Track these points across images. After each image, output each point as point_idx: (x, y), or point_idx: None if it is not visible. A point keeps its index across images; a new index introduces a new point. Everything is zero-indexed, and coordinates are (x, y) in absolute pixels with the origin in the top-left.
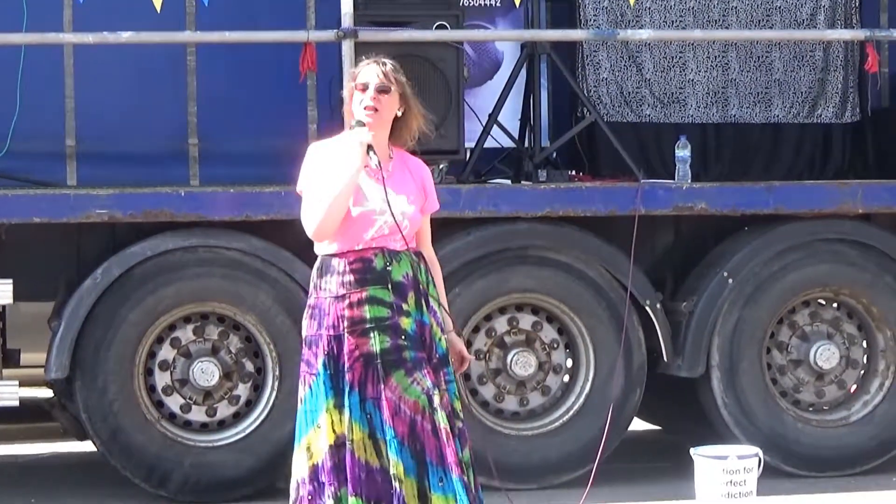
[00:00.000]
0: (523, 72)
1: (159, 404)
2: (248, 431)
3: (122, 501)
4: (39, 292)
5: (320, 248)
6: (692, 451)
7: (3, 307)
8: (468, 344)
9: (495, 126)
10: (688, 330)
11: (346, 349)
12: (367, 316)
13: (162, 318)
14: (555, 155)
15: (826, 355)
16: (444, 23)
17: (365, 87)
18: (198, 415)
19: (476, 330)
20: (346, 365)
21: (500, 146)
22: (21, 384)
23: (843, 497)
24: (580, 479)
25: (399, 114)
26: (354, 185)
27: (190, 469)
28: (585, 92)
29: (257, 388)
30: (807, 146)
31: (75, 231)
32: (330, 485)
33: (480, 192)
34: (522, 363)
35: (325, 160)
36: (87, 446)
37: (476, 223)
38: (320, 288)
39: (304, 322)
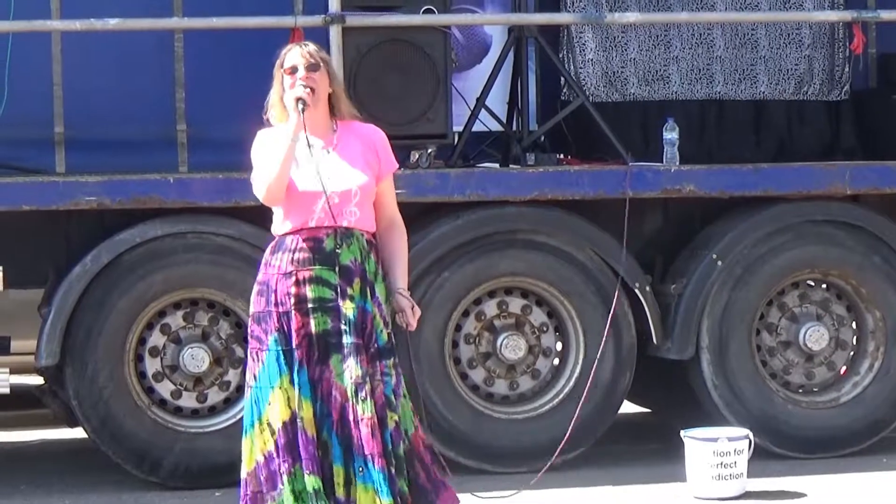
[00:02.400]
0: (511, 55)
1: (150, 390)
2: (238, 417)
3: (113, 487)
4: (29, 279)
5: (276, 228)
6: (682, 433)
7: None
8: (458, 328)
9: (483, 110)
10: (677, 312)
11: (293, 326)
12: (311, 295)
13: (151, 305)
14: (543, 138)
15: (815, 337)
16: (431, 7)
17: (293, 70)
18: (188, 401)
19: (466, 314)
20: (295, 342)
21: (488, 130)
22: (11, 371)
23: (833, 478)
24: (571, 461)
25: (330, 90)
26: (295, 144)
27: (181, 455)
28: (572, 74)
29: None
30: (794, 126)
31: (64, 218)
32: (284, 461)
33: (469, 176)
34: (512, 347)
35: (267, 143)
36: (78, 433)
37: (465, 207)
38: (269, 264)
39: (252, 298)
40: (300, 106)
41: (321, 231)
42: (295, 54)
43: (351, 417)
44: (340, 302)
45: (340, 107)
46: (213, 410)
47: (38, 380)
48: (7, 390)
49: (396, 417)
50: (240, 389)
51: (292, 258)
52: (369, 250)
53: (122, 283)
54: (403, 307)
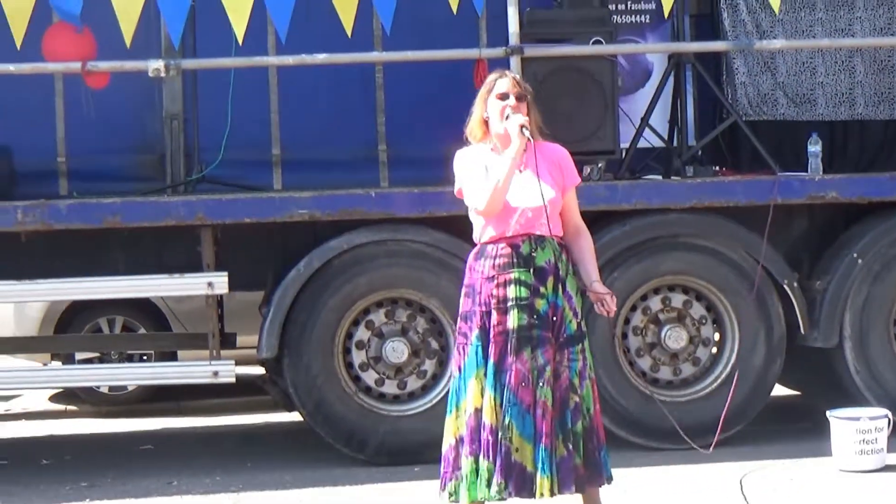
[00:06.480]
0: (671, 80)
1: (356, 379)
2: (434, 402)
3: (326, 464)
4: (251, 283)
5: (477, 237)
6: (828, 413)
7: (221, 297)
8: (626, 321)
9: (647, 128)
10: (822, 305)
11: (493, 323)
12: (511, 295)
13: (357, 304)
14: (700, 153)
15: None
16: (599, 38)
17: (505, 96)
18: (390, 388)
19: (633, 308)
20: (491, 338)
21: (651, 146)
22: (237, 363)
23: None
24: (728, 439)
25: None
26: (518, 163)
27: (384, 435)
28: (728, 96)
29: (442, 364)
30: None
31: (281, 229)
32: (469, 445)
33: (635, 187)
34: (675, 337)
35: (472, 160)
36: (295, 416)
37: (631, 214)
38: (474, 269)
39: (461, 300)
40: (525, 133)
41: (518, 238)
42: (505, 82)
43: (533, 400)
44: (534, 299)
45: (532, 129)
46: (412, 396)
47: (260, 370)
48: (234, 380)
49: (577, 398)
50: (435, 378)
51: (494, 263)
52: (561, 251)
53: (332, 285)
54: (603, 295)
